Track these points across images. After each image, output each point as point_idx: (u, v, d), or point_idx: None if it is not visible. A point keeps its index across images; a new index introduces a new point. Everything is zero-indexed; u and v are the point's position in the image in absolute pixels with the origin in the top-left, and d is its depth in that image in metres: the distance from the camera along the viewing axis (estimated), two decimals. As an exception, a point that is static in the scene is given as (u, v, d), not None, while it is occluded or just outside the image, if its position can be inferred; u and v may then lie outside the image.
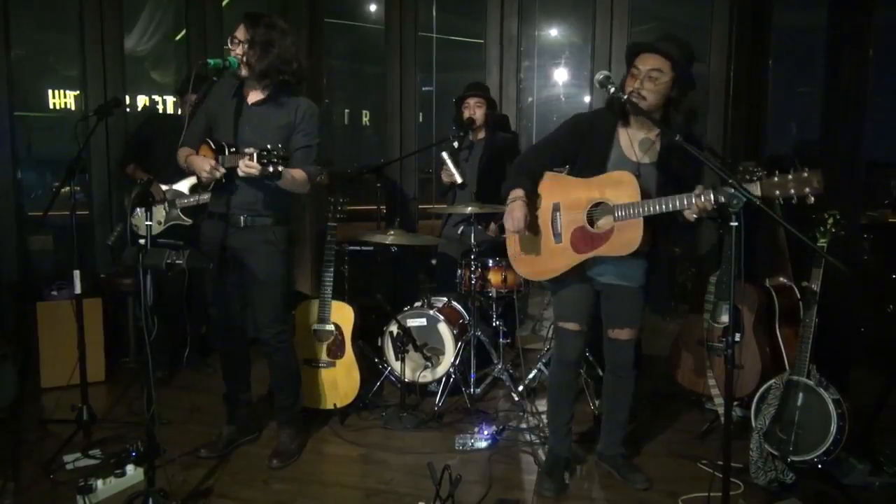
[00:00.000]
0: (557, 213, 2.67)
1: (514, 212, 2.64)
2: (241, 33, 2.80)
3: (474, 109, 4.05)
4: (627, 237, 2.49)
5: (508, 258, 2.86)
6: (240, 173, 2.68)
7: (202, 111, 2.91)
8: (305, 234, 5.25)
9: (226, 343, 3.14)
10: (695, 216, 2.36)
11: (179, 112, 4.29)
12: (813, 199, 2.07)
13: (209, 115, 2.92)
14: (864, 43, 4.03)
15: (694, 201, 2.32)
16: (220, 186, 2.91)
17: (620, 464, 2.91)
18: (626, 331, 2.76)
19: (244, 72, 2.80)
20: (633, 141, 2.58)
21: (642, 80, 2.45)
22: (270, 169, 2.59)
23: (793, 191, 2.09)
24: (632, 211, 2.46)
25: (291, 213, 3.09)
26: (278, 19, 2.90)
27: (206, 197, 3.76)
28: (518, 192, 2.66)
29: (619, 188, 2.51)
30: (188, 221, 3.97)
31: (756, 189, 2.16)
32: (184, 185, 3.99)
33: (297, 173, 2.83)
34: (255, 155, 2.60)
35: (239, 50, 2.79)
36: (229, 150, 2.82)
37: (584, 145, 2.63)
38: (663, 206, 2.39)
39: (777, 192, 2.12)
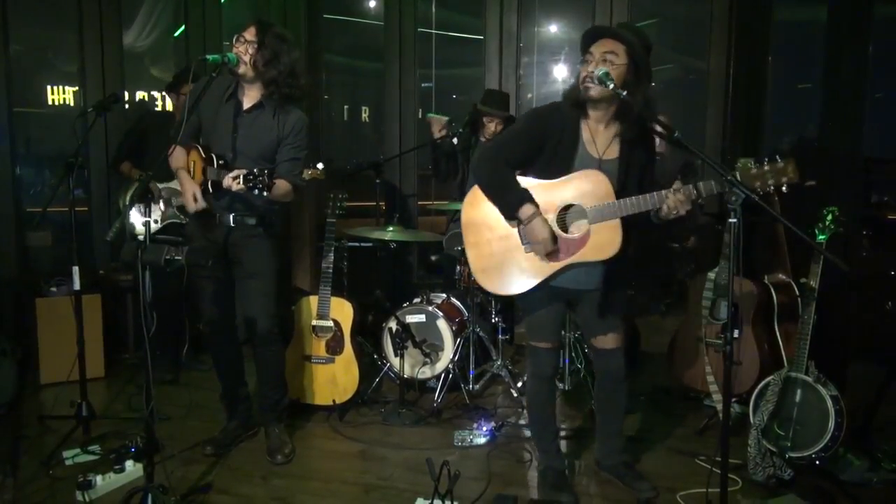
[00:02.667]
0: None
1: (540, 233, 2.37)
2: (250, 34, 2.80)
3: (497, 127, 3.99)
4: (605, 240, 2.36)
5: (474, 276, 2.62)
6: (224, 187, 2.70)
7: (196, 110, 2.91)
8: (304, 230, 5.25)
9: (219, 341, 3.14)
10: (674, 213, 2.27)
11: (170, 108, 4.26)
12: (786, 189, 2.13)
13: (200, 114, 2.92)
14: (864, 39, 4.02)
15: (672, 197, 2.25)
16: (206, 191, 2.91)
17: (624, 472, 2.79)
18: (611, 336, 2.64)
19: (242, 69, 2.80)
20: (594, 136, 2.44)
21: (596, 63, 2.32)
22: (255, 192, 2.61)
23: (771, 182, 2.13)
24: (608, 212, 2.33)
25: (281, 210, 3.09)
26: (288, 33, 2.91)
27: None
28: (530, 208, 2.38)
29: (589, 188, 2.37)
30: (186, 219, 3.93)
31: (735, 179, 2.12)
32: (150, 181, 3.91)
33: (283, 184, 2.85)
34: (241, 178, 2.61)
35: (242, 49, 2.79)
36: (218, 163, 2.82)
37: (548, 143, 2.44)
38: (642, 205, 2.29)
39: (757, 184, 2.14)
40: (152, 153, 4.02)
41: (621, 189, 2.39)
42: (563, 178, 2.42)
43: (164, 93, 4.23)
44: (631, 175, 2.44)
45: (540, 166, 2.47)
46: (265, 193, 2.63)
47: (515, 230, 2.50)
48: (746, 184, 2.13)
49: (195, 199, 2.80)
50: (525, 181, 2.47)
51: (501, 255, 2.52)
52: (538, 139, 2.46)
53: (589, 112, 2.42)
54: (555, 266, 2.45)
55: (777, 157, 2.13)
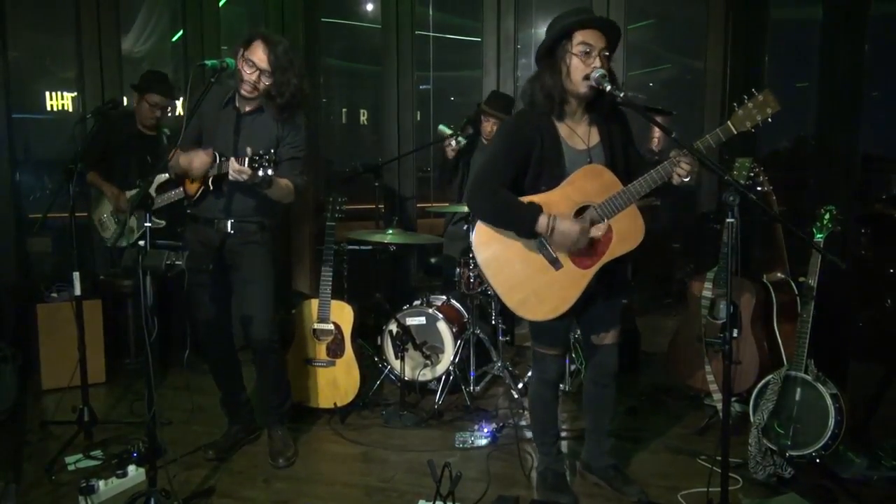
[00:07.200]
0: (542, 238, 2.37)
1: (570, 232, 2.29)
2: (261, 60, 2.76)
3: (493, 127, 4.06)
4: (630, 228, 2.33)
5: (513, 311, 2.45)
6: (230, 177, 2.68)
7: (196, 115, 2.91)
8: (304, 233, 5.26)
9: (216, 348, 3.15)
10: (685, 179, 2.27)
11: (180, 113, 4.25)
12: (770, 119, 2.19)
13: (201, 119, 2.92)
14: (860, 37, 4.03)
15: (682, 165, 2.24)
16: (206, 192, 2.91)
17: (612, 476, 2.76)
18: (612, 333, 2.63)
19: (249, 92, 2.81)
20: (573, 129, 2.39)
21: (597, 59, 2.24)
22: (261, 173, 2.57)
23: (759, 117, 2.18)
24: (621, 202, 2.30)
25: (278, 216, 3.09)
26: (292, 49, 2.89)
27: (176, 194, 3.70)
28: (545, 218, 2.29)
29: (595, 183, 2.32)
30: (161, 223, 3.89)
31: (731, 129, 2.20)
32: (150, 188, 3.82)
33: (283, 183, 2.85)
34: (245, 159, 2.60)
35: (254, 77, 2.78)
36: (220, 160, 2.82)
37: (532, 152, 2.36)
38: (651, 183, 2.27)
39: (748, 124, 2.19)
40: (117, 160, 4.02)
41: (613, 168, 2.37)
42: (563, 183, 2.35)
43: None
44: (617, 152, 2.42)
45: (532, 178, 2.39)
46: (270, 173, 2.58)
47: (541, 255, 2.39)
48: (739, 127, 2.19)
49: (201, 157, 2.78)
50: (530, 197, 2.37)
51: (531, 279, 2.40)
52: (522, 151, 2.37)
53: (565, 108, 2.37)
54: (591, 271, 2.38)
55: (753, 90, 2.19)
